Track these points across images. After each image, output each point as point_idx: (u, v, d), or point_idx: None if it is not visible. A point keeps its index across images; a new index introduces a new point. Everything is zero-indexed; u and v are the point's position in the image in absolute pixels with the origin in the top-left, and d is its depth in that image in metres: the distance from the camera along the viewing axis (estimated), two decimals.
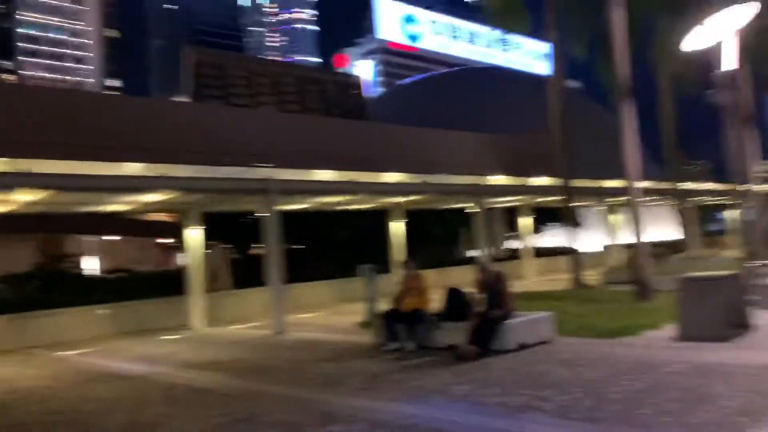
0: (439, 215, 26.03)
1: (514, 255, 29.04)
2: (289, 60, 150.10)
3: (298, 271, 19.40)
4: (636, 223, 12.42)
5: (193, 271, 15.09)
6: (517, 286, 19.31)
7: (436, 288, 9.71)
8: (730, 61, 11.03)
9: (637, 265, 12.35)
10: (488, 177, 20.58)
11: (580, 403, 5.36)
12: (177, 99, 58.07)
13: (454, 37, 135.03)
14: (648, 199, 31.81)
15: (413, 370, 7.55)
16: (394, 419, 5.38)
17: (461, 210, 20.59)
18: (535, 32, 22.49)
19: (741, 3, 10.79)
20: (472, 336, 8.12)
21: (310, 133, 22.82)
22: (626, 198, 27.87)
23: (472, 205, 19.05)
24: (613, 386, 5.85)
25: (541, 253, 29.69)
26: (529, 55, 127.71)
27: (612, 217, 30.42)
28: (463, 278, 16.07)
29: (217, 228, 21.12)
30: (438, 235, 27.59)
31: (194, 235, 14.98)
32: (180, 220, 16.05)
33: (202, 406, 6.52)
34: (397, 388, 6.63)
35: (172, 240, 28.99)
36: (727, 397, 5.13)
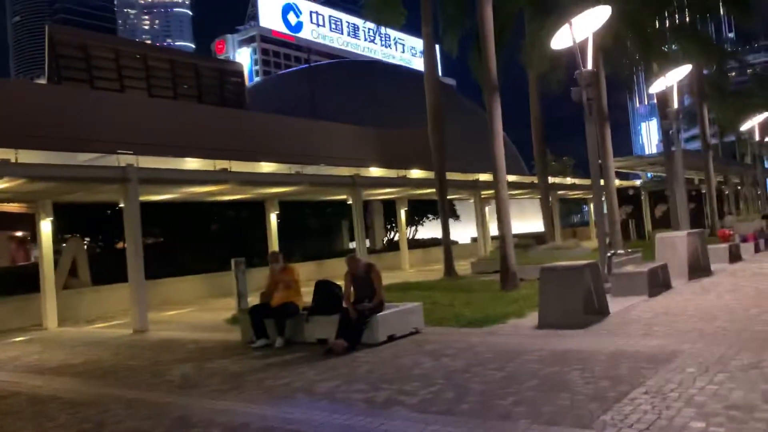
0: (319, 207, 25.76)
1: (392, 247, 29.50)
2: (164, 45, 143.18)
3: (169, 265, 18.39)
4: (501, 215, 12.81)
5: (45, 266, 13.80)
6: (392, 278, 19.53)
7: (313, 281, 9.45)
8: (588, 61, 11.59)
9: (502, 256, 12.74)
10: (365, 169, 20.54)
11: (443, 395, 5.31)
12: (37, 81, 53.31)
13: (335, 29, 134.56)
14: (515, 192, 33.56)
15: (279, 367, 7.23)
16: (253, 422, 5.06)
17: (343, 202, 20.46)
18: (416, 29, 22.72)
19: (597, 5, 11.37)
20: (341, 330, 7.94)
21: (181, 120, 21.65)
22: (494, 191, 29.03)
23: (348, 197, 18.95)
24: (476, 376, 5.87)
25: (418, 244, 30.33)
26: (409, 52, 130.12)
27: (484, 210, 31.64)
28: (343, 271, 16.03)
29: (78, 220, 19.55)
30: (318, 227, 27.32)
31: (45, 228, 13.69)
32: (34, 211, 14.63)
33: (43, 417, 5.84)
34: (260, 387, 6.30)
35: (25, 233, 26.56)
36: (582, 383, 5.28)
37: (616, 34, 18.58)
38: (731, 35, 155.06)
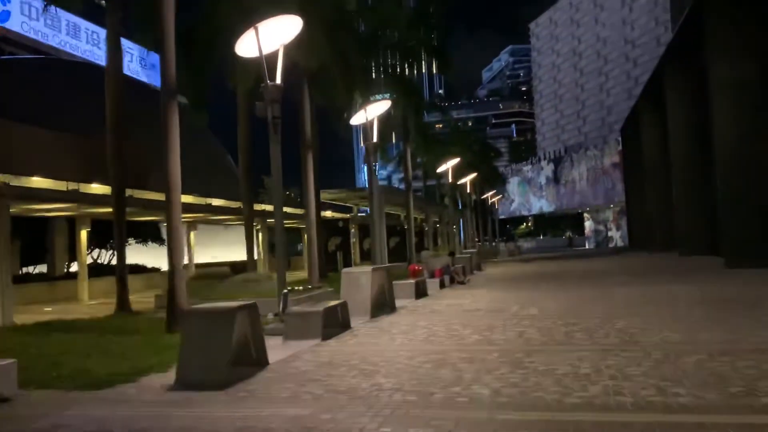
0: None
1: (90, 273, 25.33)
2: None
3: None
4: (172, 242, 10.85)
5: None
6: (56, 312, 16.10)
7: None
8: (276, 75, 10.39)
9: (170, 290, 10.75)
10: (26, 178, 16.81)
11: None
12: None
13: (51, 24, 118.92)
14: (224, 217, 31.77)
15: None
16: None
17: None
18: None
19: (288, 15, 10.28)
20: None
21: None
22: (194, 215, 26.74)
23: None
24: None
25: (105, 271, 26.54)
26: (137, 62, 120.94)
27: (191, 235, 29.16)
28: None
29: None
30: None
31: None
32: None
33: None
34: None
35: None
36: None
37: (323, 63, 18.17)
38: (441, 91, 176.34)
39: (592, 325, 9.55)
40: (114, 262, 30.89)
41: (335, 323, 10.50)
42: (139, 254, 30.02)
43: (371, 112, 16.54)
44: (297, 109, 19.15)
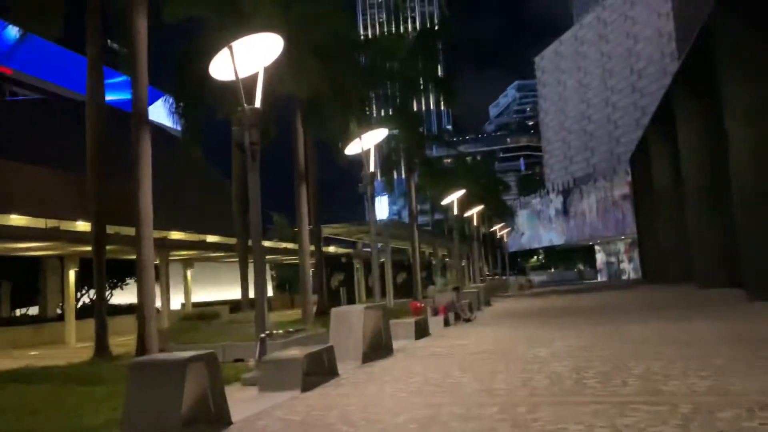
0: None
1: (83, 314, 24.44)
2: None
3: None
4: (142, 283, 9.92)
5: None
6: (40, 358, 15.18)
7: None
8: (256, 97, 9.58)
9: (139, 336, 9.77)
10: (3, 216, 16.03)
11: None
12: None
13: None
14: (218, 254, 30.89)
15: None
16: None
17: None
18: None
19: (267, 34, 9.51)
20: None
21: None
22: (187, 252, 25.87)
23: None
24: None
25: (111, 311, 25.73)
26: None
27: (187, 273, 28.27)
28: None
29: None
30: None
31: None
32: None
33: None
34: None
35: None
36: None
37: (317, 92, 17.47)
38: (449, 127, 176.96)
39: (607, 370, 8.46)
40: (111, 302, 30.13)
41: (321, 370, 9.46)
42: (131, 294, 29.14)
43: (367, 141, 15.74)
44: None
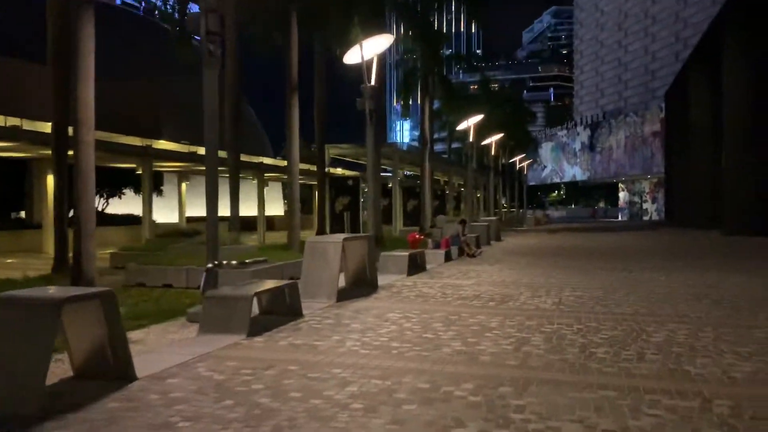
0: None
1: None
2: None
3: None
4: (79, 192, 8.44)
5: None
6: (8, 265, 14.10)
7: None
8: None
9: (75, 253, 8.42)
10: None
11: None
12: None
13: None
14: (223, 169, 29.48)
15: None
16: None
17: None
18: None
19: None
20: None
21: None
22: (176, 164, 24.47)
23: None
24: None
25: (107, 220, 24.73)
26: None
27: (183, 186, 26.99)
28: None
29: None
30: None
31: None
32: None
33: None
34: None
35: None
36: None
37: None
38: (478, 51, 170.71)
39: (619, 335, 6.94)
40: (108, 210, 29.10)
41: (281, 309, 8.06)
42: (137, 204, 27.90)
43: (369, 49, 13.81)
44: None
